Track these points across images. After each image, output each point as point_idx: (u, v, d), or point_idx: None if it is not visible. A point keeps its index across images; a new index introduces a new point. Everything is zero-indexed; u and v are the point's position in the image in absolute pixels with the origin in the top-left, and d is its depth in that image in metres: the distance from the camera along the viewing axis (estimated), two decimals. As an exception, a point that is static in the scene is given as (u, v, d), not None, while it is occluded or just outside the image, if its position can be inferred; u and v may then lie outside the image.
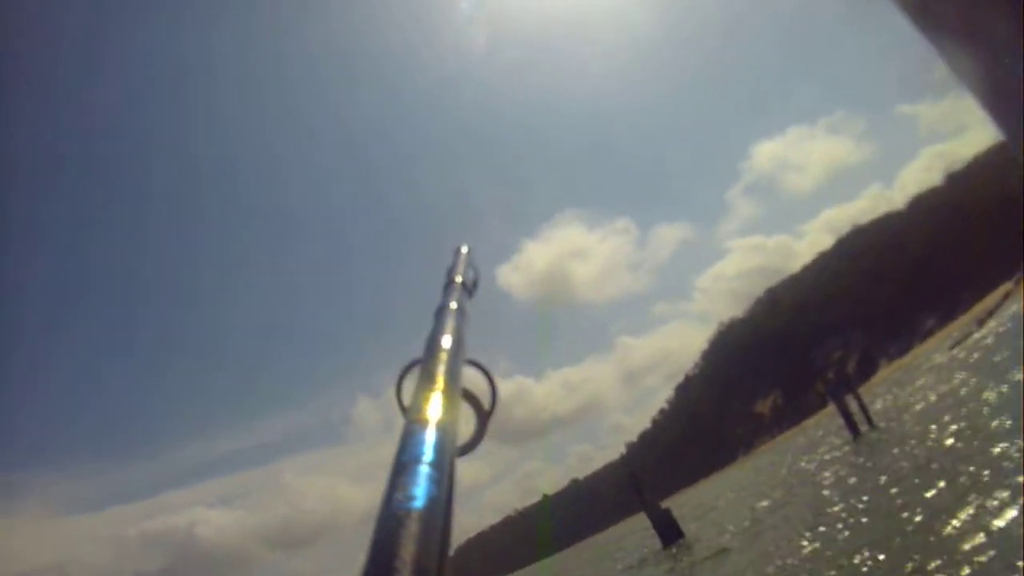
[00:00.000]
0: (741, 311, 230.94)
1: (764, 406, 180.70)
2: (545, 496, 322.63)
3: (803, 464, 45.11)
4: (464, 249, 2.05)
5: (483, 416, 1.34)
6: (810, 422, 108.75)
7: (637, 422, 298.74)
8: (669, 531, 38.05)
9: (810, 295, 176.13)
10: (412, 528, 0.67)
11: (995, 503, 12.65)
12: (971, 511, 13.07)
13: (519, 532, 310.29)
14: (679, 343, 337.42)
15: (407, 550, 0.64)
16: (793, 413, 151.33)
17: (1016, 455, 15.12)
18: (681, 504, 55.05)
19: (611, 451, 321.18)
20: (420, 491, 0.73)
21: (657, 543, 38.66)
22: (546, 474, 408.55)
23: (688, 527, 38.39)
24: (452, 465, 0.84)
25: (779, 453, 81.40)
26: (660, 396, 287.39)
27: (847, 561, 14.68)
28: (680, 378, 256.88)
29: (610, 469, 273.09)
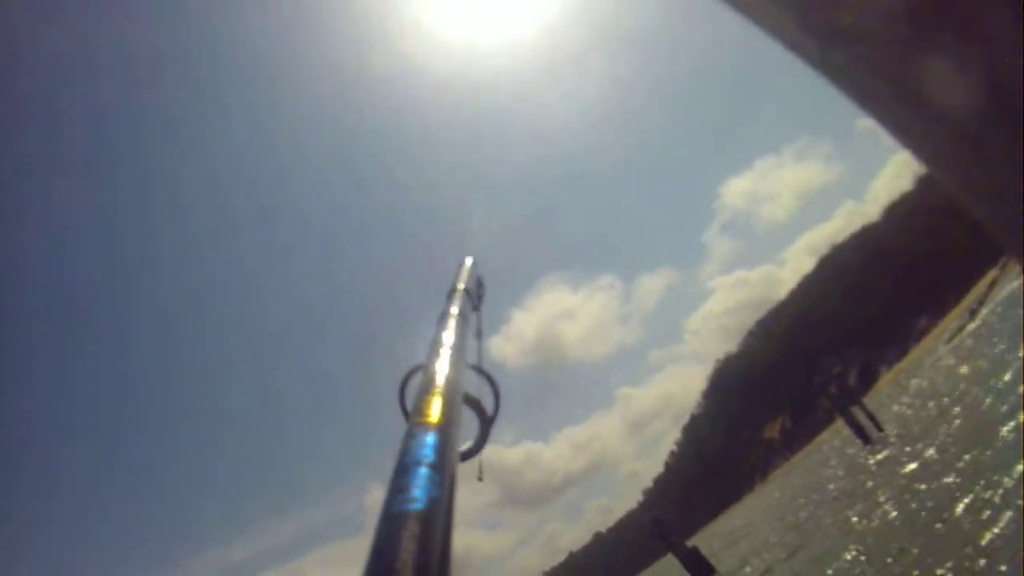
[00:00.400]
0: (734, 346, 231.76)
1: (773, 430, 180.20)
2: (571, 554, 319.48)
3: (818, 479, 45.20)
4: (469, 261, 2.17)
5: (485, 421, 1.36)
6: (821, 438, 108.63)
7: (650, 467, 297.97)
8: (699, 568, 38.03)
9: (800, 318, 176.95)
10: (413, 530, 0.67)
11: (1005, 484, 12.98)
12: (981, 495, 13.44)
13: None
14: (679, 386, 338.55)
15: (408, 551, 0.64)
16: (803, 433, 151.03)
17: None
18: (707, 539, 54.81)
19: (628, 499, 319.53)
20: (421, 493, 0.72)
21: (690, 582, 38.54)
22: (568, 533, 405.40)
23: (717, 561, 38.35)
24: (454, 468, 0.84)
25: (795, 474, 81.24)
26: (669, 439, 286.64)
27: (880, 562, 14.86)
28: (685, 419, 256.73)
29: (631, 517, 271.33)
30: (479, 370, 1.45)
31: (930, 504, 15.75)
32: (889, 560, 14.35)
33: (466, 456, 1.33)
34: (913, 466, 22.82)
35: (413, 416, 0.95)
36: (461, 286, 1.82)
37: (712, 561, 37.93)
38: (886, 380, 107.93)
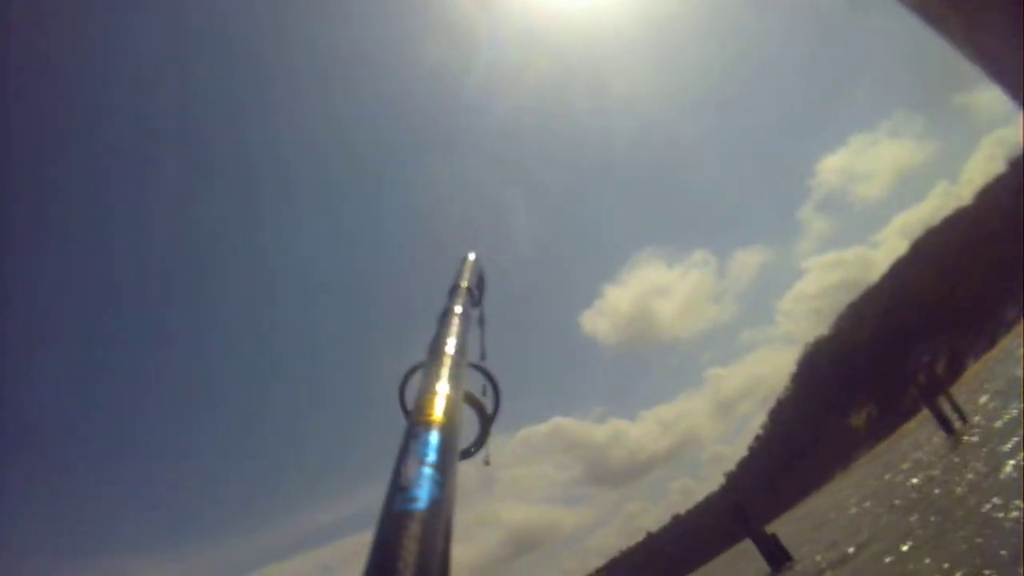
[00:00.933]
0: (826, 329, 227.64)
1: (859, 419, 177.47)
2: (648, 534, 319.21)
3: (900, 470, 45.19)
4: (471, 256, 2.13)
5: (486, 421, 1.42)
6: (908, 426, 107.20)
7: (735, 450, 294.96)
8: (777, 555, 38.53)
9: (892, 303, 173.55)
10: (414, 529, 0.66)
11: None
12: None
13: (627, 573, 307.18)
14: (769, 368, 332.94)
15: (409, 551, 0.64)
16: (888, 422, 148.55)
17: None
18: (785, 525, 55.06)
19: (711, 482, 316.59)
20: (422, 492, 0.72)
21: (766, 568, 39.14)
22: (649, 513, 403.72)
23: (795, 549, 38.77)
24: (455, 467, 0.84)
25: (876, 464, 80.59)
26: (755, 422, 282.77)
27: (950, 551, 15.48)
28: (773, 402, 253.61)
29: (711, 501, 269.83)
30: (480, 368, 1.53)
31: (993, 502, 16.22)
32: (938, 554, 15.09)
33: (466, 455, 1.38)
34: (981, 465, 23.25)
35: (414, 415, 0.95)
36: (464, 283, 1.87)
37: (790, 549, 38.38)
38: (974, 370, 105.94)
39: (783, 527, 53.91)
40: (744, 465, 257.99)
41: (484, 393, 1.39)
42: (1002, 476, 19.27)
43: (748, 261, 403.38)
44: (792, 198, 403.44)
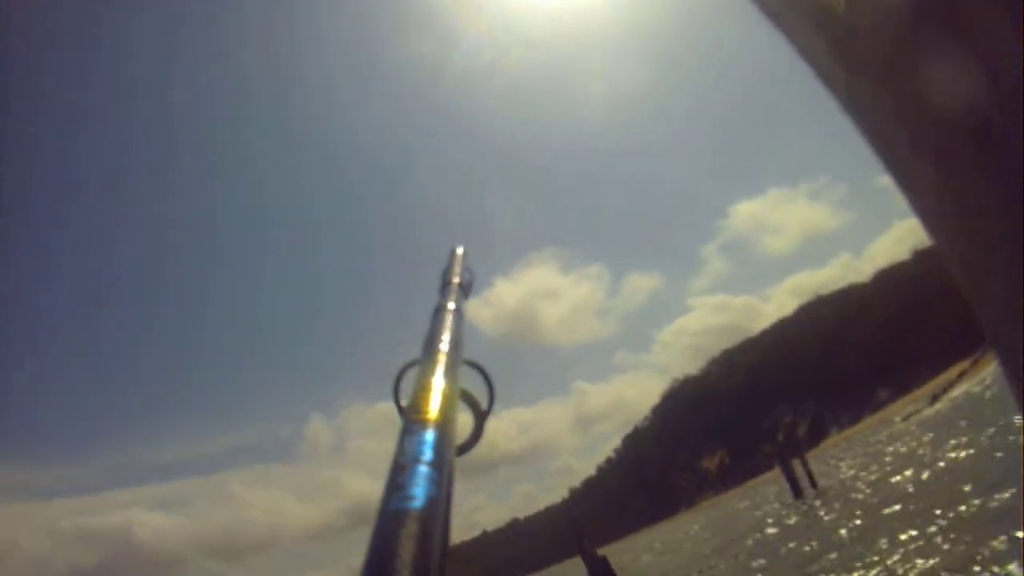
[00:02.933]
0: (696, 369, 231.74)
1: (711, 463, 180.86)
2: (484, 532, 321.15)
3: (740, 520, 45.06)
4: (459, 250, 2.03)
5: (480, 416, 1.36)
6: (755, 482, 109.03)
7: (585, 467, 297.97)
8: (603, 577, 37.68)
9: (766, 358, 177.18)
10: (411, 528, 0.67)
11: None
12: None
13: (455, 567, 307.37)
14: (635, 393, 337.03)
15: (406, 550, 0.64)
16: (739, 472, 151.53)
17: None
18: (618, 551, 54.60)
19: (555, 494, 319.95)
20: (419, 491, 0.73)
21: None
22: (489, 510, 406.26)
23: (623, 574, 38.29)
24: (451, 465, 0.84)
25: (720, 509, 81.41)
26: (611, 444, 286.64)
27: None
28: (631, 428, 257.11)
29: (552, 512, 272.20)
30: (473, 364, 1.44)
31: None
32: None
33: (461, 451, 1.28)
34: (832, 528, 22.91)
35: (409, 413, 0.95)
36: (455, 280, 1.77)
37: (618, 573, 37.83)
38: (833, 441, 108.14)
39: (616, 551, 53.42)
40: (590, 484, 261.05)
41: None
42: (834, 543, 19.08)
43: (641, 285, 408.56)
44: (699, 234, 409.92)
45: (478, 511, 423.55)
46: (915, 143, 0.94)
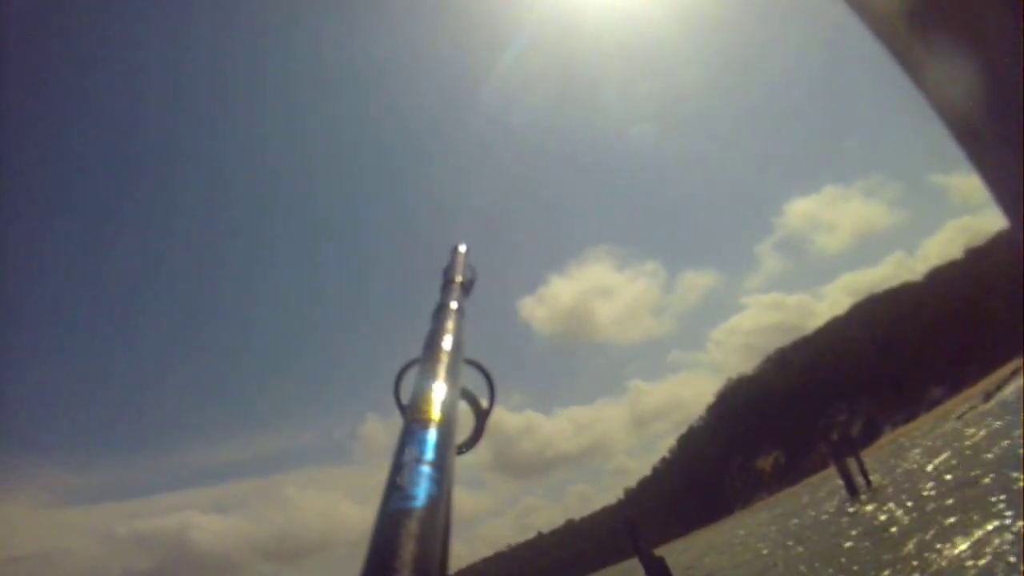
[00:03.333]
0: (751, 368, 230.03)
1: (766, 463, 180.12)
2: (539, 534, 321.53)
3: (796, 521, 45.71)
4: (462, 248, 2.10)
5: (481, 415, 1.40)
6: (811, 480, 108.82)
7: (640, 467, 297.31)
8: (660, 578, 38.64)
9: (820, 357, 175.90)
10: (412, 527, 0.66)
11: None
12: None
13: (511, 569, 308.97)
14: (690, 393, 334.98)
15: (407, 549, 0.63)
16: (794, 472, 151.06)
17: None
18: (675, 552, 55.45)
19: (610, 494, 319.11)
20: (420, 490, 0.71)
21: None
22: (544, 511, 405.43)
23: (680, 575, 39.10)
24: (452, 465, 0.82)
25: (776, 509, 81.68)
26: (665, 443, 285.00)
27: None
28: (685, 428, 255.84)
29: (607, 512, 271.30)
30: (474, 363, 1.48)
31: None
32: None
33: (462, 450, 1.35)
34: (881, 526, 23.65)
35: (410, 412, 0.93)
36: (457, 279, 1.85)
37: (675, 574, 38.62)
38: (887, 439, 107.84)
39: (673, 552, 54.29)
40: (645, 484, 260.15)
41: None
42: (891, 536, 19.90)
43: (696, 282, 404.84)
44: (754, 232, 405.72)
45: (533, 512, 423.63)
46: (1002, 132, 0.95)
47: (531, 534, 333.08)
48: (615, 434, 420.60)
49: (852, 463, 45.24)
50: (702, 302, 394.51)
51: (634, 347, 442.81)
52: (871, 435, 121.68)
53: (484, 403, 1.38)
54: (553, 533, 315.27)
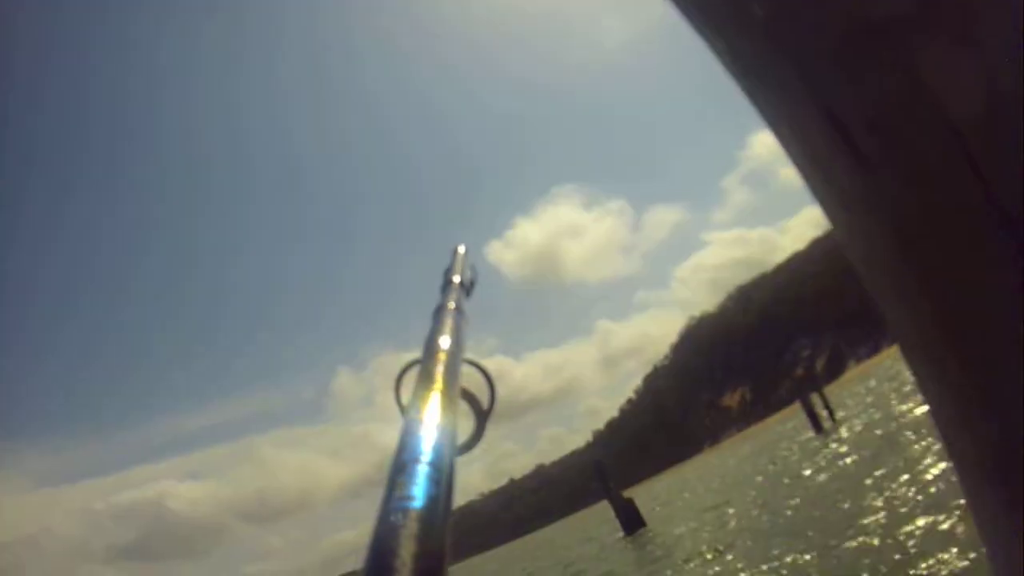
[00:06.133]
0: (713, 306, 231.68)
1: (732, 400, 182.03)
2: (511, 480, 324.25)
3: (762, 458, 45.66)
4: (461, 249, 1.91)
5: (482, 416, 1.31)
6: (776, 417, 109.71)
7: (612, 406, 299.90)
8: (631, 520, 38.33)
9: (782, 293, 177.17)
10: (412, 528, 0.66)
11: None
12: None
13: (486, 515, 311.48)
14: (660, 331, 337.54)
15: (407, 550, 0.62)
16: (761, 408, 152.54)
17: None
18: (645, 492, 55.38)
19: (582, 435, 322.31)
20: (420, 491, 0.72)
21: (620, 531, 38.89)
22: (517, 457, 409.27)
23: (650, 516, 38.79)
24: (452, 465, 0.81)
25: (744, 446, 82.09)
26: (636, 383, 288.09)
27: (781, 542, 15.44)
28: (651, 368, 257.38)
29: (576, 456, 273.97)
30: (474, 363, 1.32)
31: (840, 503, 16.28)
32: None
33: (462, 451, 1.19)
34: (845, 461, 23.46)
35: (410, 412, 0.92)
36: (456, 279, 1.66)
37: (645, 516, 38.26)
38: (853, 373, 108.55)
39: (643, 493, 54.18)
40: (613, 426, 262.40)
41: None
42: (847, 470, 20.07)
43: (664, 219, 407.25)
44: (721, 164, 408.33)
45: (506, 459, 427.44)
46: (831, 142, 0.97)
47: (504, 481, 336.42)
48: (585, 375, 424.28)
49: (817, 399, 45.10)
50: (668, 240, 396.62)
51: (602, 286, 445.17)
52: (837, 369, 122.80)
53: (484, 403, 1.30)
54: (525, 479, 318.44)
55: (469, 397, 1.30)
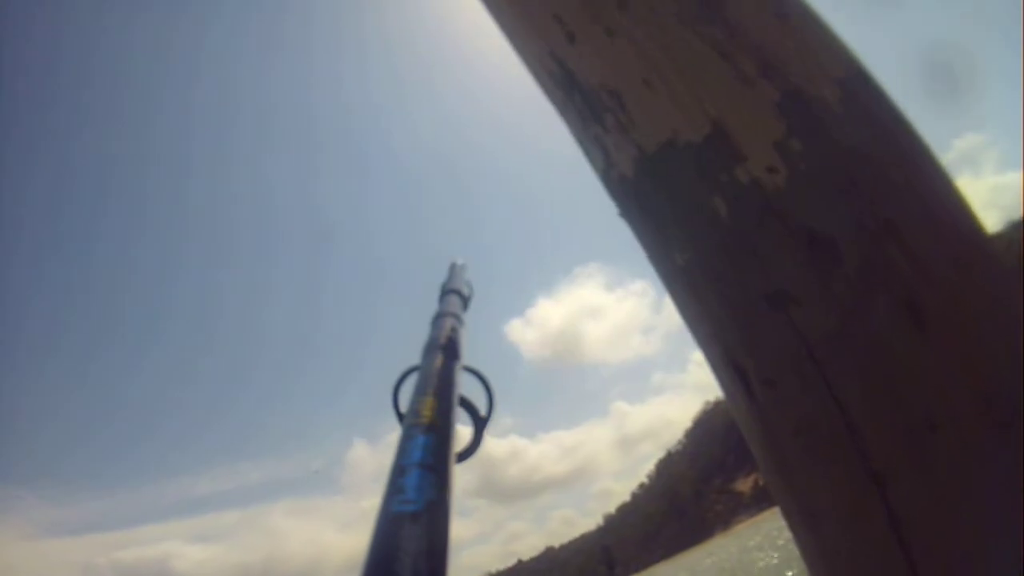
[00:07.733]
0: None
1: (745, 485, 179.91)
2: (519, 561, 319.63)
3: (773, 548, 45.09)
4: (459, 262, 2.02)
5: (480, 423, 1.33)
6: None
7: (624, 489, 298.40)
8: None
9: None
10: (411, 532, 0.68)
11: None
12: None
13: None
14: (677, 414, 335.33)
15: (406, 553, 0.65)
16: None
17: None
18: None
19: (593, 518, 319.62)
20: (418, 495, 0.73)
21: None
22: (528, 536, 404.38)
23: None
24: (451, 470, 0.84)
25: (755, 534, 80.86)
26: (650, 466, 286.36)
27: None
28: (665, 452, 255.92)
29: (586, 539, 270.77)
30: (473, 371, 1.37)
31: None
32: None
33: (461, 458, 1.22)
34: None
35: (408, 418, 0.95)
36: (455, 288, 1.74)
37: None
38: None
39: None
40: (624, 510, 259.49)
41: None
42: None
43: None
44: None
45: (516, 539, 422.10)
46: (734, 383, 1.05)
47: (512, 561, 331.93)
48: (600, 457, 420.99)
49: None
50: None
51: (620, 367, 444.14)
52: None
53: (482, 411, 1.33)
54: (532, 560, 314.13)
55: (467, 405, 1.30)
